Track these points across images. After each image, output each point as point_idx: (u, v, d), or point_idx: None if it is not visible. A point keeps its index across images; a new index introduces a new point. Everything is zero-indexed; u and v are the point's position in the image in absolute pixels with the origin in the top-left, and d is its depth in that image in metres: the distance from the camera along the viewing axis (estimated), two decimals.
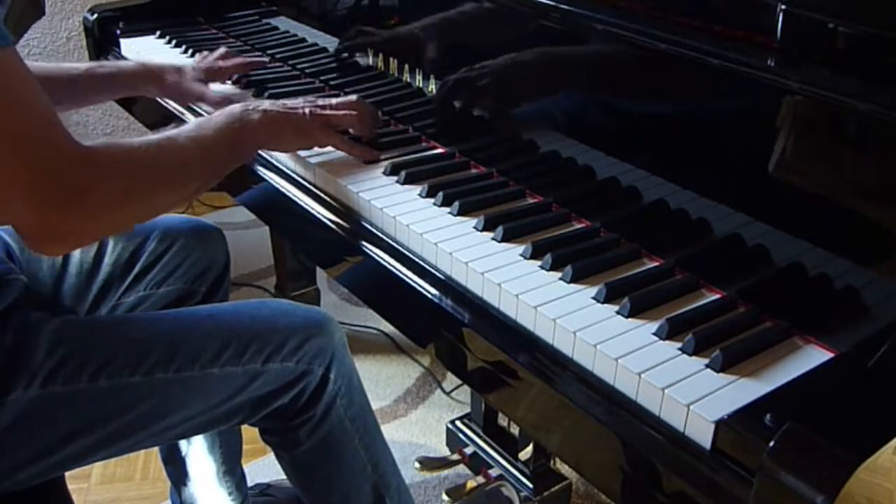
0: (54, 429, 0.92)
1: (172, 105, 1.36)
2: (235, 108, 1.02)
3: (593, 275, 0.87)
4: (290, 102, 1.09)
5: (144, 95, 1.31)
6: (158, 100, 1.39)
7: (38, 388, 0.90)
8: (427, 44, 1.18)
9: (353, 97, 1.15)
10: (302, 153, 1.13)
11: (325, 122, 1.09)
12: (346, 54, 1.37)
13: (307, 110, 1.07)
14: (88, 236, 0.86)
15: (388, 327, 2.03)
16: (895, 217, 0.74)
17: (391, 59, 1.24)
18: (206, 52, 1.37)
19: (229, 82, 1.37)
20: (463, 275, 0.89)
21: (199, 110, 1.32)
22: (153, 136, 0.91)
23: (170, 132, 0.93)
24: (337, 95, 1.32)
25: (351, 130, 1.13)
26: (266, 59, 1.39)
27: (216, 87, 1.32)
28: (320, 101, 1.10)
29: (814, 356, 0.75)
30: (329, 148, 1.13)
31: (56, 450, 0.93)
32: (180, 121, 1.33)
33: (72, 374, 0.92)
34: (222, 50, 1.36)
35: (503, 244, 0.92)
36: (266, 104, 1.05)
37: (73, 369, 0.92)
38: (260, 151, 1.17)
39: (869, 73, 0.76)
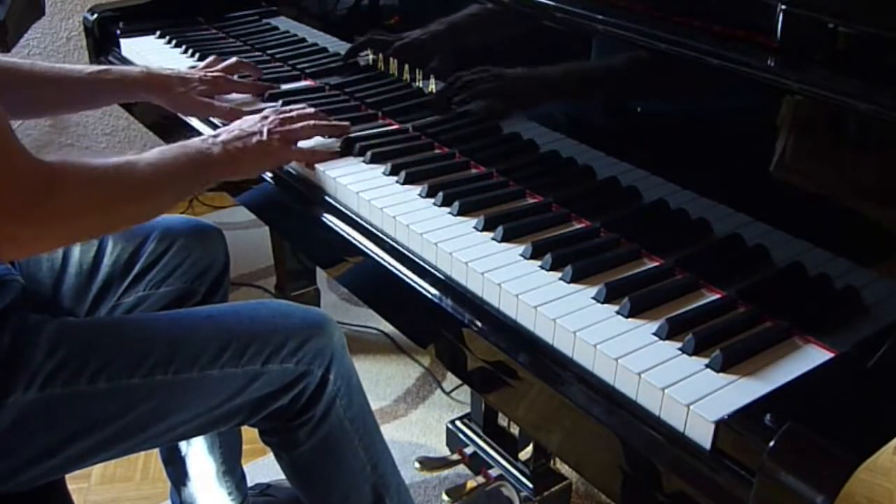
0: (54, 431, 0.92)
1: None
2: (195, 141, 1.04)
3: (593, 275, 0.87)
4: (247, 126, 1.09)
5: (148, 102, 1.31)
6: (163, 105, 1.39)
7: (38, 390, 0.90)
8: (427, 44, 1.18)
9: (308, 109, 1.17)
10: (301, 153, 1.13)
11: (284, 139, 1.09)
12: (345, 54, 1.37)
13: (265, 130, 1.08)
14: (46, 245, 0.89)
15: (388, 327, 2.03)
16: (895, 217, 0.74)
17: (391, 58, 1.24)
18: (212, 58, 1.35)
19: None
20: (463, 275, 0.89)
21: (215, 122, 1.30)
22: (113, 159, 0.93)
23: (131, 157, 0.95)
24: (337, 96, 1.33)
25: (320, 137, 1.15)
26: (277, 87, 1.37)
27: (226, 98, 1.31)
28: (279, 118, 1.11)
29: (814, 356, 0.75)
30: (328, 147, 1.14)
31: (56, 452, 0.93)
32: (181, 123, 1.33)
33: (71, 376, 0.92)
34: (233, 60, 1.33)
35: (503, 244, 0.92)
36: (223, 136, 1.06)
37: (72, 371, 0.92)
38: None
39: (869, 73, 0.76)
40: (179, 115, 1.33)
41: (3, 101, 0.81)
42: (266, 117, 1.11)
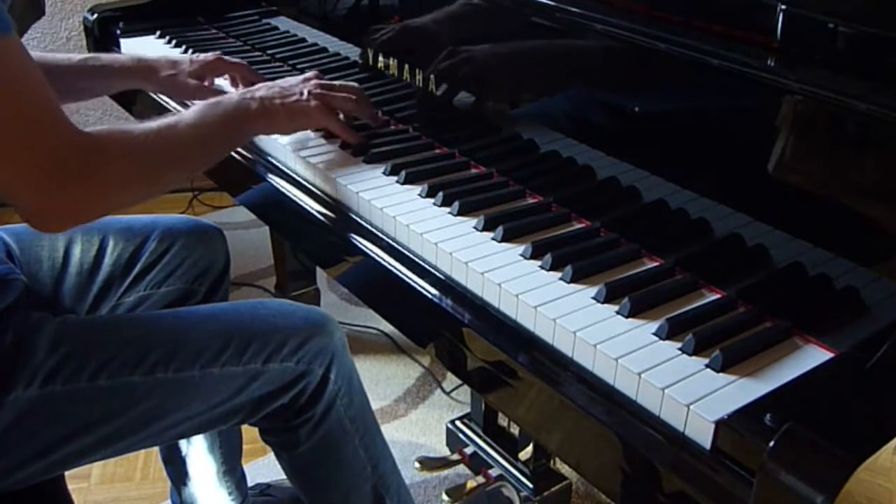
0: (54, 428, 0.93)
1: (172, 105, 1.36)
2: (233, 96, 1.06)
3: (593, 275, 0.87)
4: (287, 85, 1.10)
5: (140, 89, 1.30)
6: (157, 98, 1.39)
7: (38, 387, 0.90)
8: (427, 43, 1.18)
9: (354, 84, 1.18)
10: (301, 152, 1.13)
11: (322, 102, 1.10)
12: (345, 54, 1.37)
13: (305, 91, 1.10)
14: (90, 216, 0.91)
15: (388, 327, 2.03)
16: (895, 217, 0.74)
17: (391, 58, 1.24)
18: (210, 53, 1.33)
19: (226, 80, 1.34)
20: (463, 275, 0.89)
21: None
22: (153, 123, 0.94)
23: (169, 119, 0.97)
24: None
25: (342, 117, 1.15)
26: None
27: (215, 82, 1.31)
28: (320, 82, 1.13)
29: (814, 356, 0.75)
30: (328, 147, 1.13)
31: (56, 449, 0.93)
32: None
33: (72, 374, 0.92)
34: (218, 53, 1.33)
35: (503, 244, 0.92)
36: (262, 91, 1.08)
37: (73, 369, 0.92)
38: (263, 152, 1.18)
39: (869, 73, 0.76)
40: (172, 100, 1.33)
41: None
42: (308, 80, 1.12)
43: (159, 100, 1.39)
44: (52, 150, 0.82)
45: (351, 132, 1.14)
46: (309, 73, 1.15)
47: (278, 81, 1.12)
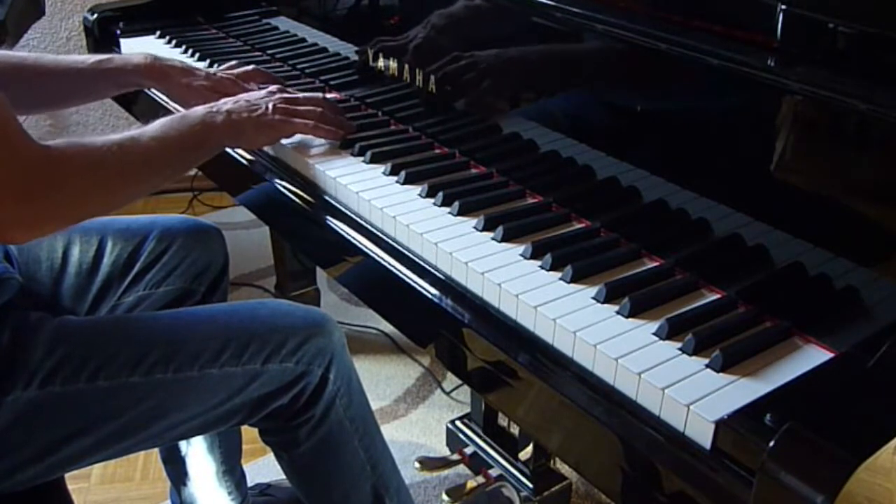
0: (53, 429, 0.92)
1: (173, 106, 1.36)
2: (198, 110, 1.05)
3: (593, 275, 0.86)
4: (253, 98, 1.11)
5: (142, 89, 1.29)
6: (157, 99, 1.39)
7: (37, 388, 0.90)
8: (427, 43, 1.18)
9: (318, 95, 1.19)
10: (301, 152, 1.13)
11: (287, 114, 1.11)
12: (345, 54, 1.37)
13: (270, 105, 1.10)
14: (51, 228, 0.91)
15: (388, 327, 2.03)
16: (895, 217, 0.74)
17: (391, 58, 1.23)
18: (232, 63, 1.32)
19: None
20: (463, 275, 0.89)
21: None
22: (115, 136, 0.93)
23: (133, 132, 0.96)
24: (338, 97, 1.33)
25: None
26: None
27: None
28: (285, 95, 1.13)
29: (814, 356, 0.75)
30: (327, 146, 1.13)
31: (55, 450, 0.93)
32: None
33: (70, 375, 0.92)
34: (250, 68, 1.30)
35: (503, 244, 0.92)
36: (229, 104, 1.08)
37: (71, 370, 0.92)
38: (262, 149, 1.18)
39: (869, 73, 0.76)
40: (178, 105, 1.32)
41: (11, 95, 0.82)
42: (272, 93, 1.13)
43: (160, 100, 1.39)
44: (9, 163, 0.81)
45: (324, 129, 1.14)
46: (273, 87, 1.16)
47: (243, 95, 1.12)
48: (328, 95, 1.20)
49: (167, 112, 1.30)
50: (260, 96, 1.12)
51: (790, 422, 0.61)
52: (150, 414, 0.97)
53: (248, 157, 1.20)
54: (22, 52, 1.19)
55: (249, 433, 1.20)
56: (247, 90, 1.27)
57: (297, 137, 1.16)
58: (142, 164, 0.95)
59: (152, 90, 1.38)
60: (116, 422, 0.95)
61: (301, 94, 1.16)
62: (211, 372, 0.98)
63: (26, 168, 0.83)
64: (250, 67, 1.31)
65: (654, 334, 0.78)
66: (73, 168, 0.87)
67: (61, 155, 0.86)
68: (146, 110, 1.51)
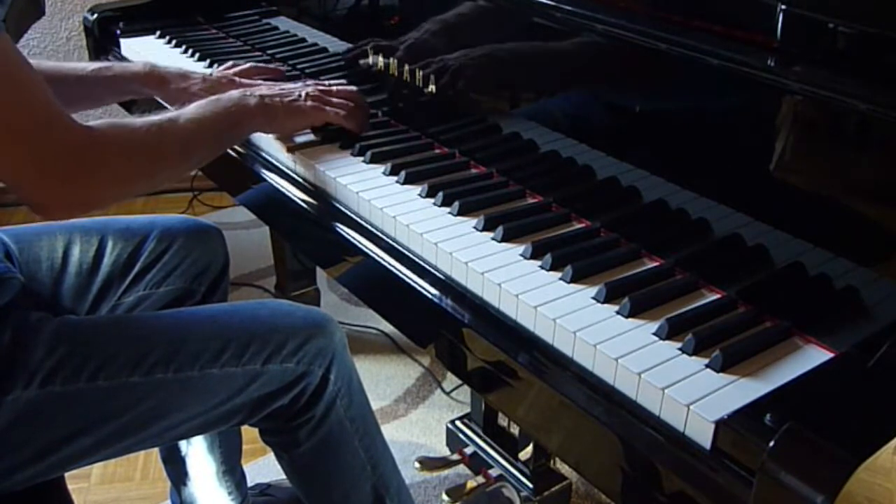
0: (53, 429, 0.92)
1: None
2: (234, 93, 1.08)
3: (593, 275, 0.87)
4: (287, 86, 1.15)
5: (151, 98, 1.30)
6: (160, 101, 1.39)
7: (38, 388, 0.90)
8: (427, 44, 1.18)
9: (353, 87, 1.21)
10: (301, 153, 1.13)
11: (320, 100, 1.13)
12: (345, 54, 1.37)
13: (304, 93, 1.13)
14: (91, 207, 0.92)
15: (388, 327, 2.03)
16: (895, 217, 0.74)
17: (391, 58, 1.23)
18: (229, 63, 1.32)
19: None
20: (463, 275, 0.89)
21: None
22: (154, 118, 0.96)
23: (171, 113, 0.99)
24: None
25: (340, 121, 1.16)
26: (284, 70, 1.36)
27: None
28: (319, 86, 1.16)
29: (814, 356, 0.75)
30: (327, 146, 1.13)
31: (55, 450, 0.93)
32: None
33: (71, 374, 0.92)
34: (248, 66, 1.31)
35: (503, 244, 0.92)
36: (263, 89, 1.12)
37: (72, 369, 0.92)
38: (259, 151, 1.18)
39: (869, 73, 0.76)
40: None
41: None
42: (308, 84, 1.17)
43: (161, 102, 1.39)
44: (53, 145, 0.83)
45: (352, 119, 1.15)
46: (309, 81, 1.19)
47: (279, 83, 1.15)
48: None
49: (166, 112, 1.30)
50: (295, 85, 1.16)
51: (790, 422, 0.61)
52: (151, 414, 0.97)
53: (247, 155, 1.20)
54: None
55: (249, 433, 1.20)
56: (241, 84, 1.28)
57: (301, 138, 1.16)
58: (179, 146, 0.98)
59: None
60: (117, 422, 0.95)
61: (335, 86, 1.19)
62: (211, 372, 0.98)
63: (70, 149, 0.85)
64: (247, 65, 1.31)
65: (654, 334, 0.78)
66: (115, 149, 0.90)
67: (103, 136, 0.89)
68: (146, 111, 1.51)
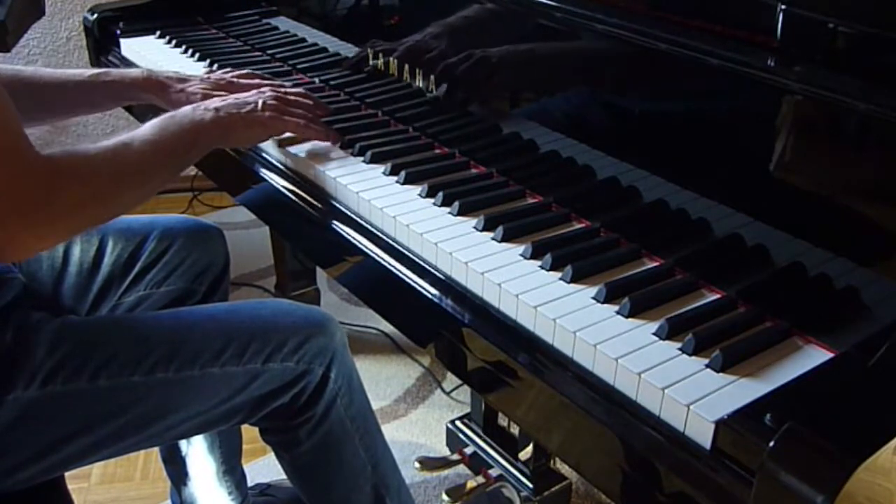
0: (54, 428, 0.93)
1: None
2: (186, 109, 1.03)
3: (593, 275, 0.86)
4: (242, 96, 1.10)
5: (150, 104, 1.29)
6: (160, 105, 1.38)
7: (38, 387, 0.90)
8: (427, 44, 1.18)
9: (306, 93, 1.18)
10: (300, 152, 1.13)
11: (278, 111, 1.10)
12: (345, 54, 1.37)
13: (260, 102, 1.09)
14: (50, 242, 0.87)
15: (388, 327, 2.03)
16: (895, 217, 0.74)
17: (391, 58, 1.24)
18: (228, 69, 1.30)
19: None
20: (463, 275, 0.89)
21: None
22: (109, 142, 0.91)
23: (124, 137, 0.94)
24: (336, 96, 1.33)
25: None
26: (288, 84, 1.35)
27: None
28: (276, 94, 1.12)
29: (814, 356, 0.75)
30: (327, 147, 1.14)
31: (56, 450, 0.93)
32: None
33: (72, 374, 0.92)
34: (244, 72, 1.29)
35: (503, 244, 0.92)
36: (216, 102, 1.06)
37: (73, 369, 0.92)
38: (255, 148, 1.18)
39: (869, 73, 0.76)
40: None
41: None
42: (262, 92, 1.12)
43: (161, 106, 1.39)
44: (13, 176, 0.79)
45: (315, 130, 1.13)
46: (265, 86, 1.15)
47: (233, 94, 1.11)
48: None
49: (165, 111, 1.30)
50: (250, 94, 1.11)
51: (790, 422, 0.61)
52: (151, 413, 0.97)
53: (249, 156, 1.20)
54: (17, 66, 1.18)
55: (250, 433, 1.20)
56: (245, 89, 1.28)
57: (310, 143, 1.15)
58: (135, 170, 0.93)
59: None
60: (117, 421, 0.95)
61: (292, 92, 1.16)
62: (212, 371, 0.98)
63: (31, 178, 0.80)
64: (245, 71, 1.30)
65: (654, 334, 0.78)
66: (67, 178, 0.84)
67: (60, 164, 0.84)
68: (146, 109, 1.51)
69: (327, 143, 1.15)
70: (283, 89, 1.14)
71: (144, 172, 0.94)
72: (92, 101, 1.23)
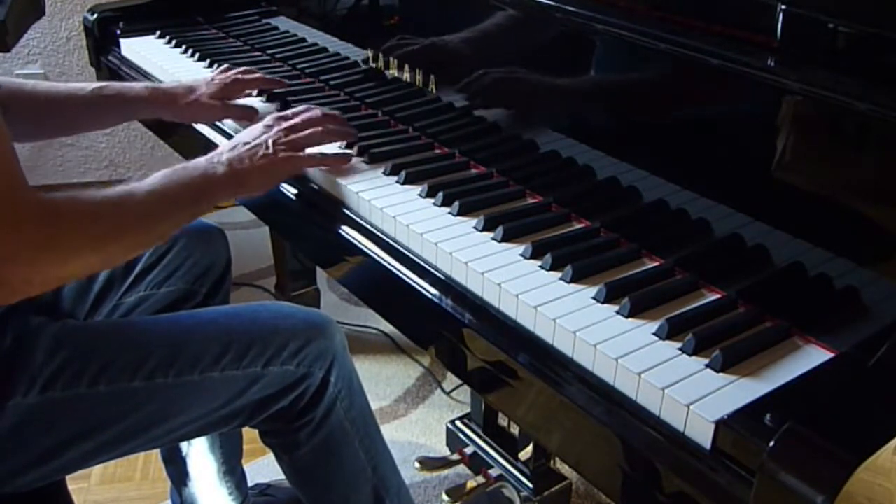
0: (54, 434, 0.92)
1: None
2: (199, 161, 0.99)
3: (593, 275, 0.87)
4: (251, 139, 1.04)
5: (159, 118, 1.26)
6: (169, 120, 1.37)
7: (38, 393, 0.90)
8: (427, 44, 1.18)
9: (313, 108, 1.12)
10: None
11: (291, 148, 1.04)
12: (345, 54, 1.37)
13: (270, 142, 1.03)
14: (30, 290, 0.82)
15: (388, 327, 2.03)
16: (895, 217, 0.74)
17: (391, 58, 1.24)
18: (225, 66, 1.31)
19: (253, 96, 1.30)
20: (463, 275, 0.89)
21: (222, 126, 1.28)
22: (116, 189, 0.89)
23: (133, 185, 0.91)
24: (337, 96, 1.33)
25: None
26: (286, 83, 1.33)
27: (238, 101, 1.26)
28: (283, 125, 1.07)
29: (814, 356, 0.75)
30: (327, 148, 1.14)
31: (57, 455, 0.93)
32: (186, 126, 1.32)
33: (71, 380, 0.92)
34: (241, 69, 1.29)
35: (503, 244, 0.92)
36: (227, 153, 1.00)
37: (72, 374, 0.92)
38: None
39: (869, 73, 0.76)
40: (192, 124, 1.30)
41: (8, 122, 0.78)
42: (270, 126, 1.06)
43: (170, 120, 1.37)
44: (13, 218, 0.76)
45: (331, 158, 1.09)
46: (268, 119, 1.08)
47: (241, 136, 1.05)
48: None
49: (172, 125, 1.29)
50: (257, 134, 1.05)
51: (790, 422, 0.61)
52: (152, 418, 0.97)
53: None
54: (17, 80, 1.17)
55: (250, 433, 1.20)
56: (249, 85, 1.27)
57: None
58: (136, 221, 0.89)
59: None
60: (117, 426, 0.95)
61: (298, 117, 1.09)
62: (212, 375, 0.98)
63: (30, 218, 0.77)
64: (243, 69, 1.29)
65: (654, 334, 0.78)
66: (65, 225, 0.81)
67: (55, 210, 0.80)
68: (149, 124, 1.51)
69: (328, 144, 1.15)
70: (287, 123, 1.08)
71: (145, 223, 0.91)
72: (94, 118, 1.22)
